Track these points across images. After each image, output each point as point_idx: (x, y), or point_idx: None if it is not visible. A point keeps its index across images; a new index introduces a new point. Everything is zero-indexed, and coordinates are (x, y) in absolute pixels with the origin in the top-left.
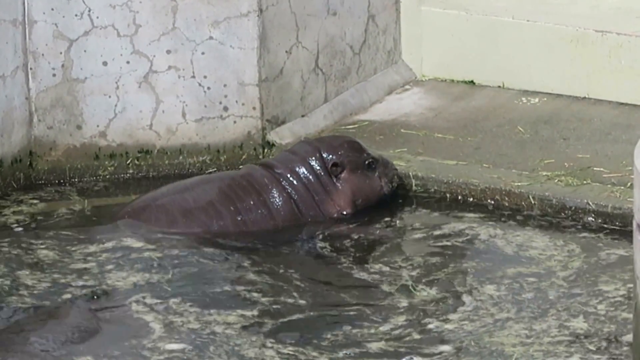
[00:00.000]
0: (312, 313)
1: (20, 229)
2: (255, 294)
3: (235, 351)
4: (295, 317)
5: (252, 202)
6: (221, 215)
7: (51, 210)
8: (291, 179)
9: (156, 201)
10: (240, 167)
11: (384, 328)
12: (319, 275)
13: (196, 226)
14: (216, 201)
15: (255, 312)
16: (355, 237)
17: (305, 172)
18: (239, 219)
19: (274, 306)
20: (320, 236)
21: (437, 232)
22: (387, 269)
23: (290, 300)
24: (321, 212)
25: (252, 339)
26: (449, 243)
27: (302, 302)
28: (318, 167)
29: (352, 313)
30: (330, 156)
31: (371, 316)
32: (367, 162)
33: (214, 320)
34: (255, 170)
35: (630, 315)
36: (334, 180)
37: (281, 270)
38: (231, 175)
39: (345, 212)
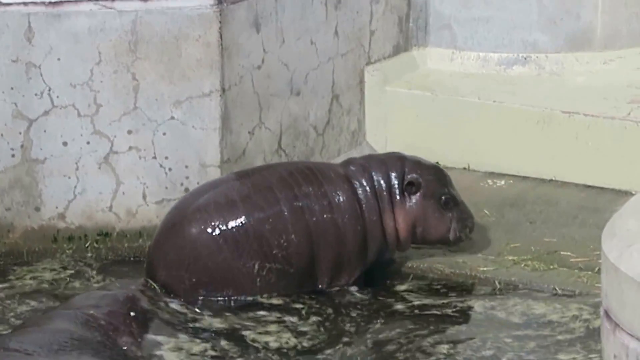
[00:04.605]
0: None
1: None
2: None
3: None
4: None
5: (311, 190)
6: (278, 200)
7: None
8: (361, 178)
9: (217, 187)
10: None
11: None
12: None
13: (254, 209)
14: (275, 186)
15: None
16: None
17: (380, 179)
18: (298, 205)
19: None
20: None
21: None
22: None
23: None
24: (381, 222)
25: None
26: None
27: None
28: (394, 180)
29: None
30: (411, 175)
31: None
32: (443, 197)
33: None
34: (325, 165)
35: None
36: (404, 198)
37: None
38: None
39: (401, 236)
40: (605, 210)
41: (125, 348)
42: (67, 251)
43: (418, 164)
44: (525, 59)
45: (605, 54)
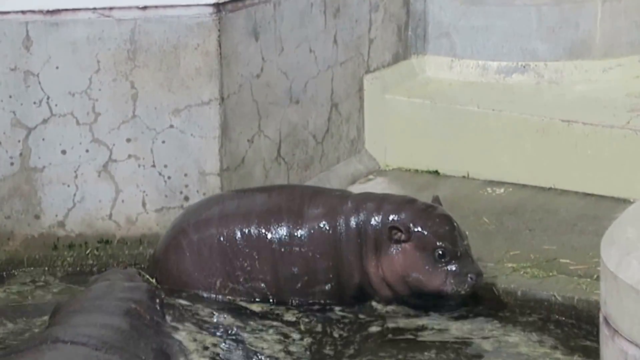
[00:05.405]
0: None
1: None
2: None
3: None
4: None
5: (288, 222)
6: (250, 226)
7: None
8: (350, 217)
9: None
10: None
11: None
12: None
13: (225, 229)
14: (254, 212)
15: None
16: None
17: (369, 221)
18: (268, 234)
19: None
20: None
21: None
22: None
23: None
24: (361, 264)
25: None
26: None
27: None
28: (384, 225)
29: None
30: (402, 222)
31: None
32: (439, 251)
33: None
34: (324, 196)
35: None
36: (389, 244)
37: None
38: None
39: (389, 283)
40: (605, 218)
41: (169, 343)
42: (68, 259)
43: (421, 212)
44: (524, 67)
45: (605, 63)
